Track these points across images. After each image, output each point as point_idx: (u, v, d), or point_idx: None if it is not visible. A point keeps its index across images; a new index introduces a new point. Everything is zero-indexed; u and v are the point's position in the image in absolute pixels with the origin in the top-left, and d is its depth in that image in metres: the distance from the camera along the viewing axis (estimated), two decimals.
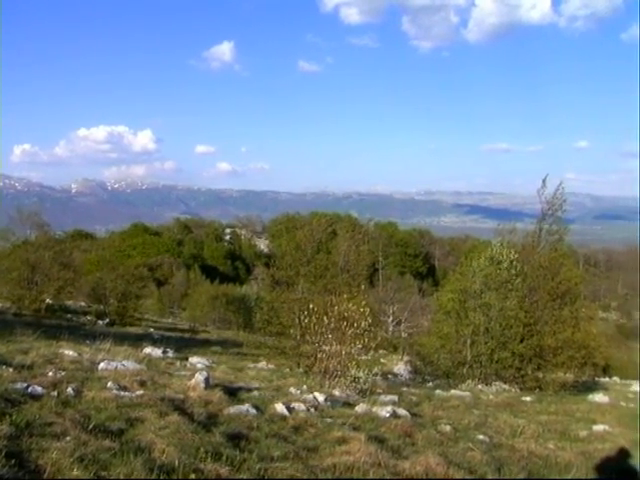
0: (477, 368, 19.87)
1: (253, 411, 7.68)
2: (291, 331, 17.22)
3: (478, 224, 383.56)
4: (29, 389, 6.87)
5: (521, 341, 19.66)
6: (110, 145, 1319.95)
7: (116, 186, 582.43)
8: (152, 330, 32.42)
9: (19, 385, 6.94)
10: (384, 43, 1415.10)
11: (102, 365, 9.34)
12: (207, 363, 14.87)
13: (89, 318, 32.36)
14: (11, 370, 7.95)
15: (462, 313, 20.66)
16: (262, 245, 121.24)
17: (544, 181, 21.80)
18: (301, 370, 16.35)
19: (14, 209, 38.26)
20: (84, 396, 7.07)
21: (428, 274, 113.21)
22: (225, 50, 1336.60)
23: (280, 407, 8.14)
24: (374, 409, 9.35)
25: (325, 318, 13.42)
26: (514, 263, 20.71)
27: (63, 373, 8.37)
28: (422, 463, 6.29)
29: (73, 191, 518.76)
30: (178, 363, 13.64)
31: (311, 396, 9.88)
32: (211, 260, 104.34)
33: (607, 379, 32.15)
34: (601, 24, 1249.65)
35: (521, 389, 19.22)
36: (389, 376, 20.60)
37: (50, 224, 36.87)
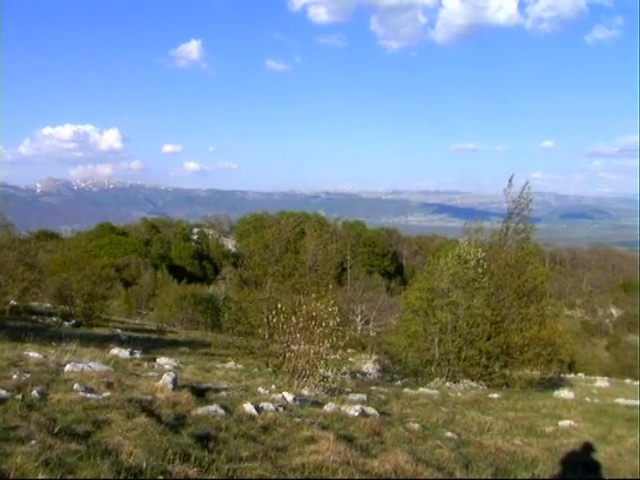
0: (445, 366, 19.99)
1: (221, 412, 7.65)
2: (259, 331, 17.20)
3: (445, 223, 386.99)
4: None
5: (488, 339, 19.83)
6: (76, 144, 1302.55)
7: (82, 185, 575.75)
8: (119, 331, 32.11)
9: None
10: (352, 43, 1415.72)
11: (68, 367, 9.24)
12: (175, 364, 14.77)
13: (55, 319, 31.93)
14: None
15: (430, 312, 20.77)
16: (230, 245, 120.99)
17: (510, 180, 22.02)
18: (270, 370, 16.33)
19: None
20: (50, 399, 6.99)
21: (396, 273, 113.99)
22: (192, 48, 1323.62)
23: (249, 407, 8.12)
24: (343, 408, 9.36)
25: (293, 317, 13.40)
26: (481, 262, 20.87)
27: (28, 375, 8.28)
28: (391, 461, 6.31)
29: (38, 190, 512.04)
30: (146, 364, 13.52)
31: (280, 396, 9.86)
32: (179, 260, 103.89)
33: (572, 375, 32.65)
34: (566, 26, 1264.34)
35: (488, 386, 19.39)
36: (358, 375, 20.62)
37: (14, 224, 36.40)
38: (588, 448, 9.29)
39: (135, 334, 30.68)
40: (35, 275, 32.53)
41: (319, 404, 9.93)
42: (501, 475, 7.10)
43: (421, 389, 16.51)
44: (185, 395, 8.13)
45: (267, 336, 16.59)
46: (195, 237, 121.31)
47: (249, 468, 5.53)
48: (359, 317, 55.02)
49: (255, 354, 18.97)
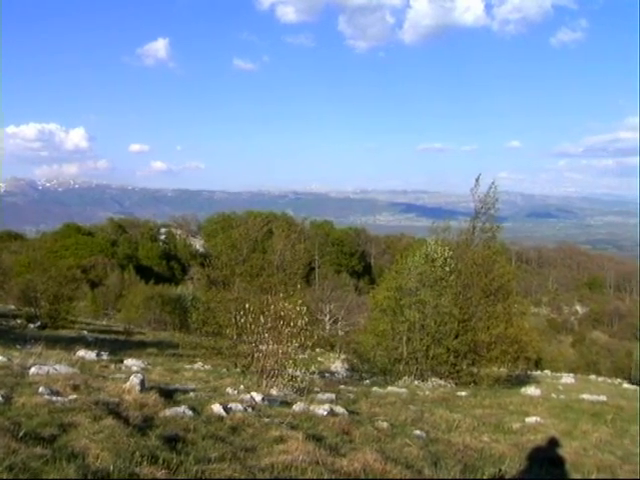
0: (413, 364, 20.09)
1: (190, 413, 7.60)
2: (227, 331, 17.09)
3: (413, 222, 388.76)
4: None
5: (456, 337, 19.96)
6: (41, 143, 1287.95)
7: (47, 185, 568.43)
8: (86, 332, 31.76)
9: None
10: (320, 42, 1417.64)
11: (33, 370, 9.11)
12: (142, 365, 14.66)
13: (19, 321, 31.53)
14: None
15: (398, 310, 20.86)
16: (198, 245, 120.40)
17: (477, 180, 22.16)
18: (238, 370, 16.26)
19: None
20: (14, 402, 6.87)
21: (364, 272, 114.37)
22: (160, 47, 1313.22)
23: (217, 408, 8.07)
24: (312, 407, 9.35)
25: (261, 317, 13.38)
26: (448, 261, 21.00)
27: None
28: (360, 460, 6.33)
29: (2, 190, 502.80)
30: (113, 366, 13.40)
31: (248, 396, 9.83)
32: (146, 260, 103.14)
33: (539, 372, 33.06)
34: (531, 28, 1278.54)
35: (456, 384, 19.52)
36: (326, 374, 20.65)
37: None
38: (553, 443, 9.44)
39: (102, 335, 30.40)
40: None
41: (288, 404, 9.92)
42: (469, 472, 7.16)
43: (390, 388, 16.56)
44: (153, 397, 8.05)
45: (235, 336, 16.49)
46: (162, 237, 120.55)
47: (218, 469, 5.50)
48: (327, 316, 55.18)
49: (223, 354, 18.87)
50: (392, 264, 26.10)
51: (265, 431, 7.32)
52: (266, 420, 8.00)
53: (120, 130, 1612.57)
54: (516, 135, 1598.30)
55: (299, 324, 13.29)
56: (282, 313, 13.31)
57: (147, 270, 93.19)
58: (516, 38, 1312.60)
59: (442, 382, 19.57)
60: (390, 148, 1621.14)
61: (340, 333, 50.77)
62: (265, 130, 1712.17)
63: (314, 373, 14.49)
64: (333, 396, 12.29)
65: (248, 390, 10.87)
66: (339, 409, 9.75)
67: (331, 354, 35.07)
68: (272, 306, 13.55)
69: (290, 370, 13.13)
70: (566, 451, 9.21)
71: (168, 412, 7.48)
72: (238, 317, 13.96)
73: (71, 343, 19.64)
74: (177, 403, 8.24)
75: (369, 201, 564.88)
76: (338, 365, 25.35)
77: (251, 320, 13.46)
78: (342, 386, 16.11)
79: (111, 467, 5.02)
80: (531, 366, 31.24)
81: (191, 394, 9.58)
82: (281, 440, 6.83)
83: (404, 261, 22.14)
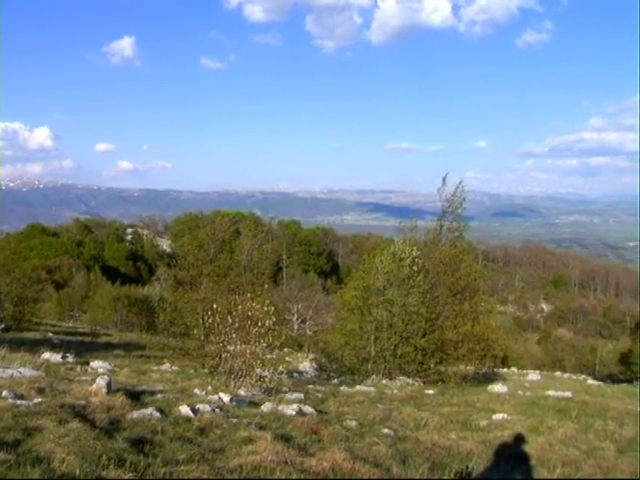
0: (381, 363, 20.17)
1: (157, 414, 7.54)
2: (195, 332, 17.01)
3: (381, 222, 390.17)
4: None
5: (423, 336, 20.08)
6: (4, 142, 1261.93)
7: (11, 185, 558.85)
8: (51, 335, 31.32)
9: None
10: (288, 42, 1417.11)
11: None
12: (109, 367, 14.53)
13: None
14: None
15: (365, 310, 20.92)
16: (165, 245, 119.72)
17: (444, 179, 22.33)
18: (206, 371, 16.18)
19: None
20: None
21: (332, 272, 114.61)
22: (126, 45, 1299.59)
23: (185, 409, 8.03)
24: (280, 408, 9.34)
25: (229, 318, 13.32)
26: (416, 260, 21.10)
27: None
28: (328, 459, 6.33)
29: None
30: (79, 368, 13.25)
31: (216, 397, 9.79)
32: (112, 261, 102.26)
33: (506, 370, 33.44)
34: (498, 29, 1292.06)
35: (424, 382, 19.63)
36: (294, 374, 20.62)
37: None
38: (520, 439, 9.55)
39: (68, 337, 30.02)
40: None
41: (256, 404, 9.89)
42: (437, 469, 7.21)
43: (358, 387, 16.60)
44: (120, 399, 7.98)
45: (203, 337, 16.41)
46: (129, 237, 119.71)
47: (186, 471, 5.47)
48: (295, 316, 55.19)
49: (191, 355, 18.78)
50: (360, 264, 26.14)
51: (233, 432, 7.29)
52: (234, 421, 7.97)
53: (86, 129, 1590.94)
54: (483, 135, 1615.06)
55: (267, 324, 13.25)
56: (250, 313, 13.27)
57: (113, 271, 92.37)
58: (482, 39, 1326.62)
59: (410, 380, 19.67)
60: (358, 148, 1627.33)
61: (308, 333, 50.83)
62: (232, 130, 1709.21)
63: (282, 373, 14.45)
64: (301, 396, 12.28)
65: (216, 391, 10.83)
66: (307, 409, 9.75)
67: (299, 354, 35.07)
68: (240, 306, 13.49)
69: (258, 370, 13.09)
70: (532, 447, 9.32)
71: (135, 414, 7.41)
72: (205, 317, 13.88)
73: (36, 345, 19.34)
74: (144, 405, 8.17)
75: (337, 201, 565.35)
76: (306, 365, 25.31)
77: (219, 320, 13.39)
78: (310, 386, 16.11)
79: (77, 471, 4.96)
80: (498, 364, 31.50)
81: (158, 396, 9.51)
82: (249, 441, 6.81)
83: (372, 260, 22.20)
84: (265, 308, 13.55)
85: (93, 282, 73.63)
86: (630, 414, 13.51)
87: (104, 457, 5.36)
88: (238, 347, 13.33)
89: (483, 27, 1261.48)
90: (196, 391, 10.81)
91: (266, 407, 9.32)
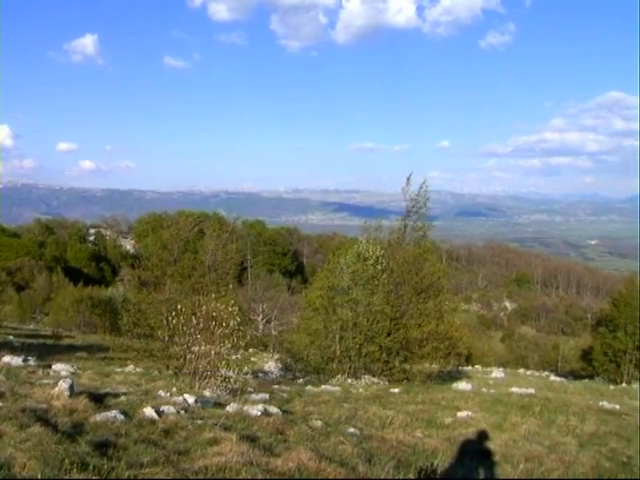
0: (346, 363, 20.19)
1: (121, 417, 7.46)
2: (159, 333, 16.88)
3: (345, 222, 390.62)
4: None
5: (388, 335, 20.14)
6: None
7: None
8: (12, 337, 30.78)
9: None
10: (252, 41, 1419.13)
11: None
12: (72, 370, 14.33)
13: None
14: None
15: (330, 309, 20.92)
16: (128, 245, 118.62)
17: (408, 179, 22.37)
18: (170, 372, 16.06)
19: None
20: None
21: (297, 272, 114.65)
22: (88, 43, 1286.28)
23: (149, 411, 7.96)
24: (245, 408, 9.31)
25: (193, 318, 13.25)
26: (380, 259, 21.16)
27: None
28: (294, 459, 6.33)
29: None
30: (41, 371, 13.04)
31: (181, 398, 9.72)
32: (75, 262, 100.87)
33: (470, 367, 33.71)
34: (462, 30, 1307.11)
35: (389, 381, 19.70)
36: (260, 374, 20.57)
37: None
38: (484, 436, 9.66)
39: (29, 340, 29.53)
40: None
41: (221, 405, 9.85)
42: (403, 467, 7.23)
43: (323, 386, 16.61)
44: (83, 402, 7.87)
45: (167, 338, 16.29)
46: (92, 238, 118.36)
47: (150, 473, 5.42)
48: (260, 316, 55.10)
49: (155, 357, 18.60)
50: (324, 263, 26.20)
51: (198, 433, 7.25)
52: (199, 422, 7.92)
53: (47, 128, 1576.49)
54: (446, 135, 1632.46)
55: (231, 324, 13.21)
56: (214, 314, 13.22)
57: (76, 272, 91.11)
58: (446, 40, 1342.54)
59: (375, 379, 19.73)
60: (322, 147, 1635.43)
61: (273, 333, 50.73)
62: (196, 129, 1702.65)
63: (247, 373, 14.42)
64: (267, 396, 12.27)
65: (181, 392, 10.76)
66: (273, 409, 9.73)
67: (264, 354, 34.94)
68: (204, 307, 13.44)
69: (223, 371, 13.03)
70: (496, 443, 9.45)
71: (99, 417, 7.32)
72: (170, 318, 13.79)
73: None
74: (108, 407, 8.08)
75: (301, 200, 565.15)
76: (272, 365, 25.25)
77: (183, 321, 13.32)
78: (276, 386, 16.09)
79: (39, 476, 4.89)
80: (462, 362, 31.72)
81: (122, 398, 9.40)
82: (215, 442, 6.78)
83: (336, 260, 22.22)
84: (230, 308, 13.51)
85: (55, 284, 72.55)
86: (591, 409, 13.74)
87: (66, 461, 5.28)
88: (203, 348, 13.27)
89: (447, 28, 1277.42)
90: (160, 393, 10.72)
91: (231, 408, 9.28)
